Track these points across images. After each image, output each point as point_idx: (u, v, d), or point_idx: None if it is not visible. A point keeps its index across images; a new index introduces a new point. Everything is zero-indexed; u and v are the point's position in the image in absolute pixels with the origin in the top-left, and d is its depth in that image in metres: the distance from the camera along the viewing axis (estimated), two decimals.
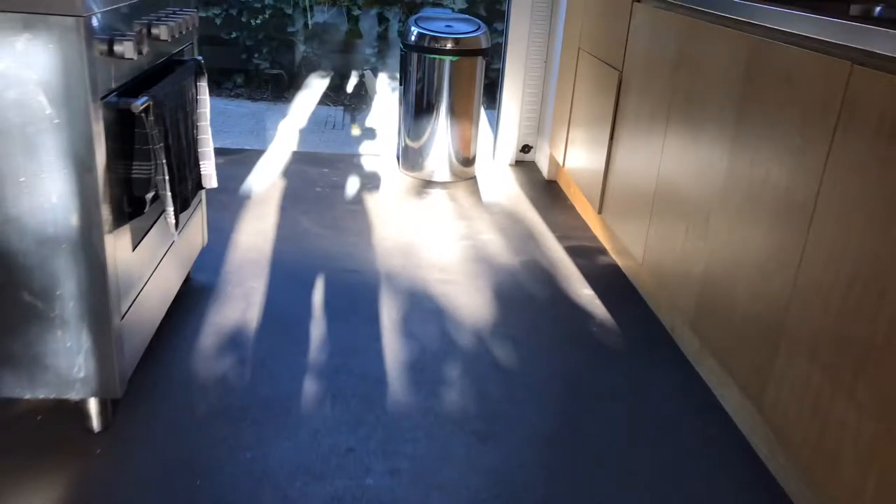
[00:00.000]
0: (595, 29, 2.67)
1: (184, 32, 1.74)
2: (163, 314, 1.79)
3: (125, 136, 1.46)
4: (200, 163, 1.87)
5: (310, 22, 4.89)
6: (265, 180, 3.07)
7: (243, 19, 4.76)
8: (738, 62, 1.64)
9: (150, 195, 1.54)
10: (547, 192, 3.18)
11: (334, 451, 1.53)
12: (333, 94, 4.78)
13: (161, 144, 1.51)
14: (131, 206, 1.51)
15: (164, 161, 1.53)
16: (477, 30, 3.10)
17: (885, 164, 1.16)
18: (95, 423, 1.52)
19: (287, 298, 2.12)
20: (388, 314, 2.08)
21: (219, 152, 3.38)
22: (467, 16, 3.29)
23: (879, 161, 1.17)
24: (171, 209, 1.56)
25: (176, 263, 1.89)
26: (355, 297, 2.16)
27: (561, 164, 3.04)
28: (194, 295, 2.09)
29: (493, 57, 3.58)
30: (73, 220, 1.34)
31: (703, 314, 1.76)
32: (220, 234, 2.50)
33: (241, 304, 2.07)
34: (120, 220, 1.46)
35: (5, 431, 1.51)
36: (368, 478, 1.46)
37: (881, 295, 1.16)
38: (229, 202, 2.80)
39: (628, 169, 2.29)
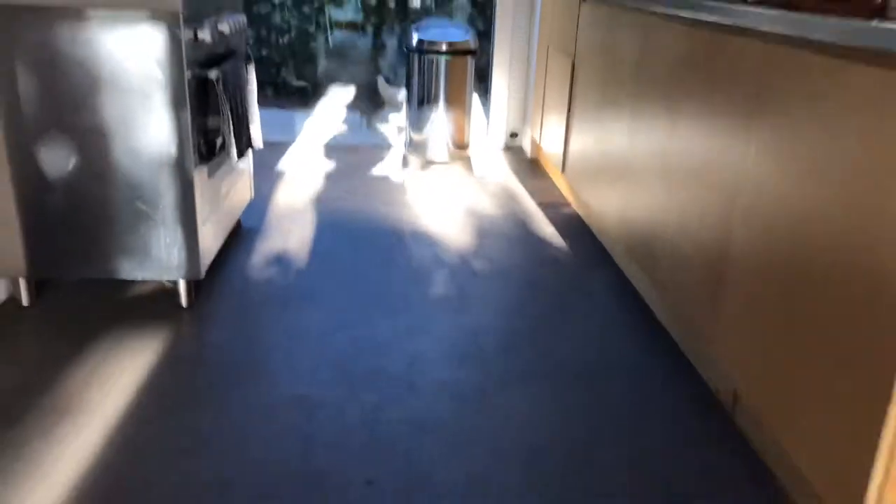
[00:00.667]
0: (556, 28, 3.31)
1: (237, 30, 2.41)
2: (228, 230, 2.43)
3: (203, 97, 2.11)
4: (250, 125, 2.52)
5: (330, 39, 5.60)
6: (295, 163, 3.72)
7: (272, 39, 5.47)
8: (635, 43, 2.26)
9: (219, 140, 2.19)
10: (529, 167, 3.80)
11: (350, 318, 2.15)
12: (352, 100, 5.46)
13: (227, 105, 2.16)
14: (208, 147, 2.16)
15: (229, 117, 2.18)
16: (466, 33, 3.75)
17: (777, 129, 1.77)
18: (184, 300, 2.16)
19: (315, 235, 2.75)
20: (396, 245, 2.71)
21: None
22: (458, 23, 3.95)
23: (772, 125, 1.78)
24: (233, 148, 2.21)
25: (234, 202, 2.53)
26: (370, 234, 2.79)
27: (538, 143, 3.67)
28: (245, 233, 2.74)
29: (482, 56, 4.22)
30: (172, 150, 1.99)
31: (634, 242, 2.37)
32: (263, 197, 3.15)
33: (281, 239, 2.71)
34: (201, 157, 2.10)
35: (124, 304, 2.15)
36: (376, 329, 2.08)
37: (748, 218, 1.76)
38: (267, 176, 3.45)
39: (581, 135, 2.91)
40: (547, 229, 2.92)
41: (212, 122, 2.16)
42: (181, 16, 1.90)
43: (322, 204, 3.12)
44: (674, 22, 2.00)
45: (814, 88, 1.33)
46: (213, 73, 2.08)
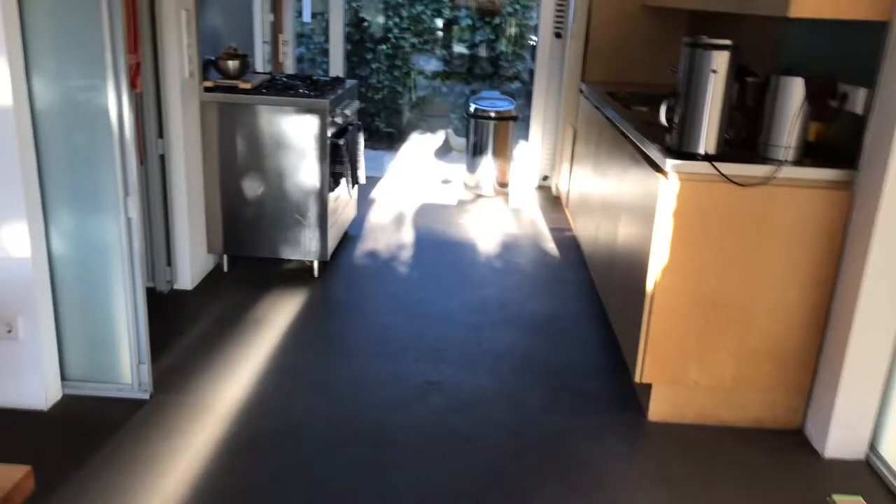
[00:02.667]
0: (569, 106, 4.71)
1: (354, 111, 3.92)
2: (342, 234, 3.92)
3: (334, 153, 3.60)
4: (358, 170, 4.01)
5: (414, 96, 7.13)
6: (384, 192, 5.22)
7: (368, 94, 7.05)
8: (601, 126, 3.64)
9: (341, 179, 3.68)
10: (552, 202, 5.19)
11: (412, 287, 3.59)
12: (427, 146, 6.97)
13: (346, 158, 3.65)
14: (335, 182, 3.65)
15: (348, 164, 3.67)
16: (510, 104, 5.19)
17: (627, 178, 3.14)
18: (316, 273, 3.65)
19: (395, 240, 4.21)
20: (448, 248, 4.14)
21: None
22: (505, 96, 5.40)
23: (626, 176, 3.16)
24: (348, 183, 3.70)
25: (345, 216, 4.03)
26: (432, 241, 4.24)
27: (558, 184, 5.06)
28: (350, 238, 4.23)
29: (523, 119, 5.64)
30: (316, 184, 3.49)
31: (596, 252, 3.74)
32: (362, 215, 4.65)
33: (373, 242, 4.18)
34: (330, 188, 3.59)
35: (283, 273, 3.65)
36: (427, 293, 3.51)
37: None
38: (365, 201, 4.95)
39: (577, 180, 4.28)
40: (550, 245, 4.31)
41: (338, 168, 3.65)
42: (327, 110, 3.40)
43: (400, 221, 4.59)
44: (605, 119, 3.38)
45: (628, 162, 2.69)
46: (341, 141, 3.58)
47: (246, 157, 3.47)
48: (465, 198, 5.22)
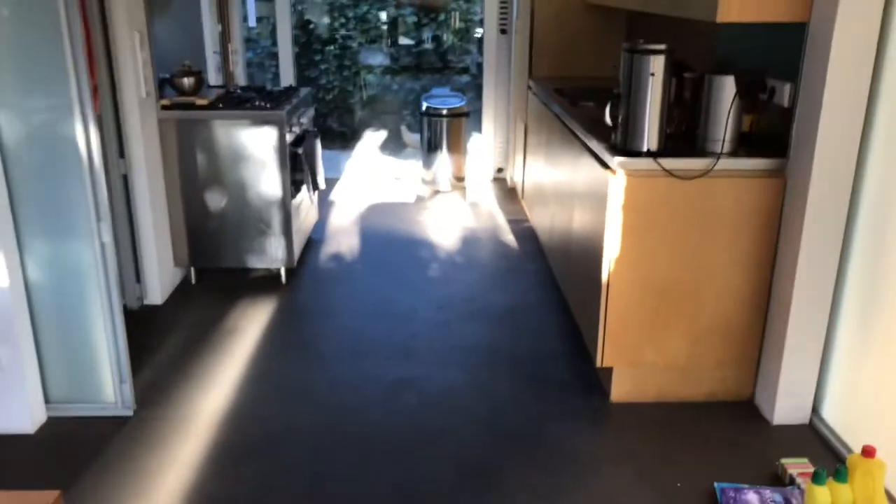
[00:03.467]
0: (518, 102, 4.86)
1: (310, 118, 4.01)
2: (306, 239, 4.01)
3: (294, 161, 3.69)
4: (318, 175, 4.10)
5: (364, 95, 7.21)
6: (343, 193, 5.31)
7: (319, 95, 7.10)
8: (550, 122, 3.79)
9: (302, 186, 3.77)
10: (507, 194, 5.34)
11: (377, 287, 3.70)
12: (382, 144, 7.06)
13: (306, 165, 3.74)
14: (295, 189, 3.74)
15: (308, 171, 3.76)
16: (461, 101, 5.32)
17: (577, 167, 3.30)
18: (283, 280, 3.74)
19: (357, 242, 4.32)
20: (409, 246, 4.26)
21: None
22: (456, 92, 5.53)
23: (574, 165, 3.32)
24: (309, 189, 3.79)
25: (308, 221, 4.12)
26: (393, 240, 4.35)
27: (513, 175, 5.21)
28: (314, 242, 4.32)
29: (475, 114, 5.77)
30: (277, 192, 3.58)
31: (553, 243, 3.90)
32: (323, 219, 4.73)
33: (337, 245, 4.28)
34: (292, 195, 3.68)
35: (250, 281, 3.73)
36: (391, 293, 3.63)
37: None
38: (325, 204, 5.04)
39: (531, 172, 4.44)
40: (508, 237, 4.46)
41: (298, 175, 3.74)
42: (284, 121, 3.49)
43: (361, 222, 4.70)
44: (553, 115, 3.53)
45: (578, 157, 2.84)
46: (299, 149, 3.67)
47: (207, 171, 3.54)
48: (423, 194, 5.34)
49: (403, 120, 7.23)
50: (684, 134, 2.70)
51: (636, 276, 2.59)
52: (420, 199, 5.22)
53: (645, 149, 2.52)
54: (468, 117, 5.36)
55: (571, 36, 4.60)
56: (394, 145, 6.98)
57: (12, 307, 2.40)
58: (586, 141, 2.90)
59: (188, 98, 3.49)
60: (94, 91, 3.01)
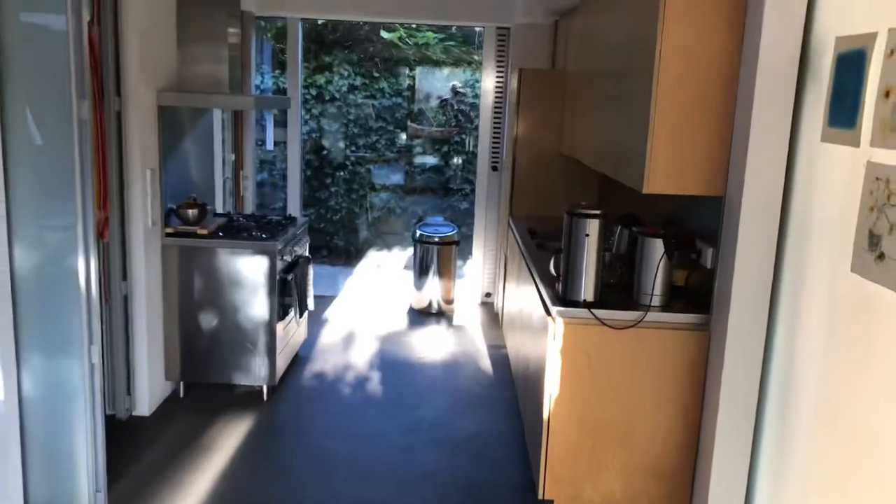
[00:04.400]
0: (503, 234, 5.21)
1: (303, 246, 4.36)
2: (291, 357, 4.28)
3: (283, 287, 4.01)
4: (308, 298, 4.41)
5: (370, 217, 7.65)
6: (337, 312, 5.61)
7: (328, 216, 7.56)
8: (519, 260, 4.11)
9: (290, 309, 4.08)
10: (493, 319, 5.61)
11: (356, 410, 3.93)
12: (385, 263, 7.44)
13: (295, 290, 4.06)
14: (283, 312, 4.04)
15: (296, 297, 4.07)
16: (453, 230, 5.69)
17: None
18: (265, 397, 3.99)
19: (344, 360, 4.58)
20: (390, 365, 4.51)
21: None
22: (447, 222, 5.91)
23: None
24: (296, 313, 4.09)
25: (295, 339, 4.40)
26: (379, 363, 4.61)
27: (497, 303, 5.50)
28: (301, 359, 4.59)
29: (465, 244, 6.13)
30: (265, 315, 3.88)
31: (518, 372, 4.14)
32: (313, 337, 5.01)
33: (322, 363, 4.55)
34: (279, 317, 3.98)
35: (234, 397, 3.98)
36: (369, 414, 3.85)
37: None
38: (318, 322, 5.33)
39: (508, 302, 4.72)
40: (486, 362, 4.70)
41: (287, 299, 4.05)
42: (276, 252, 3.83)
43: (348, 341, 4.97)
44: (519, 249, 3.84)
45: (532, 298, 3.12)
46: (289, 276, 4.00)
47: (203, 293, 3.86)
48: (411, 316, 5.62)
49: (405, 240, 7.63)
50: (626, 286, 2.99)
51: (573, 414, 2.82)
52: (409, 321, 5.50)
53: (582, 299, 2.80)
54: (458, 245, 5.71)
55: (548, 178, 4.98)
56: (393, 264, 7.34)
57: (5, 416, 2.68)
58: (538, 285, 3.19)
59: (191, 227, 3.86)
60: (105, 221, 3.39)
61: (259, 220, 4.38)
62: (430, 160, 7.60)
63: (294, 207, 5.87)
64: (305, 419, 3.81)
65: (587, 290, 2.80)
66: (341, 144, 7.58)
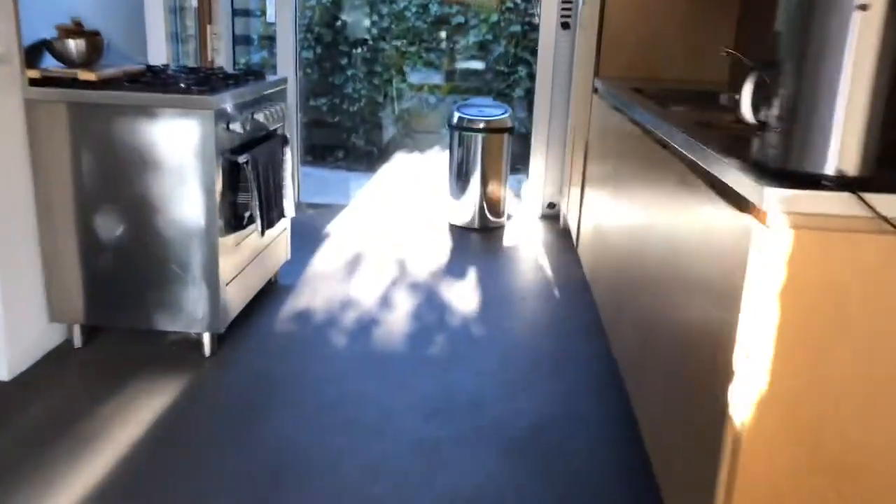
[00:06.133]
0: (580, 113, 3.56)
1: (277, 117, 2.79)
2: (253, 293, 2.77)
3: (234, 177, 2.47)
4: (284, 199, 2.87)
5: (396, 108, 6.02)
6: (345, 227, 4.08)
7: (344, 106, 5.95)
8: (625, 135, 2.48)
9: (246, 214, 2.54)
10: (558, 237, 4.02)
11: (353, 374, 2.43)
12: (415, 167, 5.85)
13: (254, 184, 2.52)
14: (235, 220, 2.52)
15: (257, 194, 2.53)
16: (504, 112, 4.05)
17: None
18: (207, 350, 2.50)
19: (343, 292, 3.06)
20: (412, 302, 2.98)
21: (313, 205, 4.45)
22: (498, 103, 4.26)
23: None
24: (258, 222, 2.56)
25: (264, 264, 2.88)
26: (395, 299, 3.08)
27: (566, 214, 3.89)
28: (279, 290, 3.08)
29: (528, 128, 4.50)
30: (202, 221, 2.35)
31: (622, 322, 2.56)
32: (304, 257, 3.50)
33: (310, 297, 3.03)
34: (229, 228, 2.46)
35: (157, 351, 2.51)
36: (365, 381, 2.34)
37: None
38: (315, 238, 3.81)
39: (590, 212, 3.12)
40: (556, 301, 3.13)
41: (241, 198, 2.51)
42: (214, 112, 2.27)
43: (356, 266, 3.44)
44: (632, 124, 2.23)
45: (677, 189, 1.54)
46: (242, 158, 2.45)
47: (98, 182, 2.35)
48: (447, 235, 4.06)
49: (442, 138, 6.02)
50: None
51: (795, 427, 1.25)
52: (443, 241, 3.95)
53: (832, 171, 1.19)
54: (512, 134, 4.08)
55: (655, 28, 3.29)
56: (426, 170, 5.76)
57: None
58: (697, 159, 1.57)
59: (71, 71, 2.31)
60: None
61: (201, 72, 2.82)
62: (473, 37, 5.88)
63: (287, 71, 4.28)
64: (271, 387, 2.32)
65: (846, 152, 1.19)
66: (360, 17, 5.91)
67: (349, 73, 5.95)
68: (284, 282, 3.19)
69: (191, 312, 2.44)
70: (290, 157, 2.89)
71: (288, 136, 2.91)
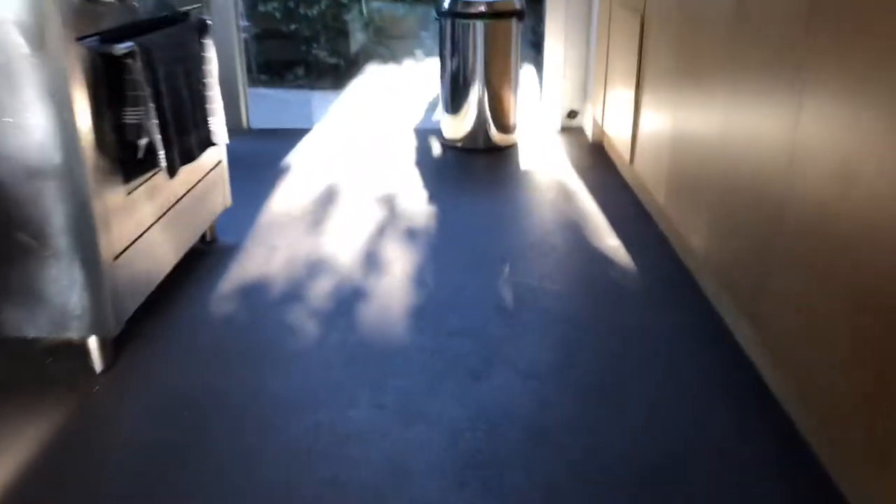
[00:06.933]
0: None
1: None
2: (171, 264, 1.83)
3: (113, 81, 1.50)
4: (209, 119, 1.91)
5: (364, 9, 4.96)
6: (308, 155, 3.11)
7: (301, 11, 4.87)
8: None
9: (142, 141, 1.58)
10: (591, 154, 3.09)
11: (322, 387, 1.52)
12: (389, 79, 4.83)
13: (150, 91, 1.55)
14: (124, 150, 1.56)
15: (155, 108, 1.56)
16: None
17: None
18: (97, 362, 1.57)
19: (311, 249, 2.13)
20: (401, 271, 2.06)
21: (267, 133, 3.46)
22: None
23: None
24: (162, 153, 1.60)
25: (188, 218, 1.93)
26: (376, 257, 2.16)
27: (601, 124, 2.95)
28: (216, 253, 2.14)
29: (533, 19, 3.52)
30: (57, 158, 1.39)
31: (732, 268, 1.66)
32: (254, 200, 2.55)
33: (261, 259, 2.10)
34: (112, 163, 1.50)
35: (15, 369, 1.58)
36: (336, 395, 1.44)
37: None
38: (268, 173, 2.85)
39: (656, 114, 2.19)
40: (610, 242, 2.23)
41: (129, 115, 1.55)
42: None
43: (327, 209, 2.50)
44: None
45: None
46: (121, 47, 1.47)
47: None
48: (444, 159, 3.12)
49: (422, 45, 4.98)
50: None
51: None
52: (439, 168, 3.00)
53: None
54: (521, 20, 3.10)
55: None
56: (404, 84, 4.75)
57: None
58: None
59: None
60: None
61: None
62: None
63: None
64: (194, 425, 1.41)
65: None
66: None
67: None
68: (225, 239, 2.25)
69: (61, 307, 1.50)
70: (213, 55, 1.91)
71: (208, 20, 1.91)
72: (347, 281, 1.98)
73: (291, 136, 3.39)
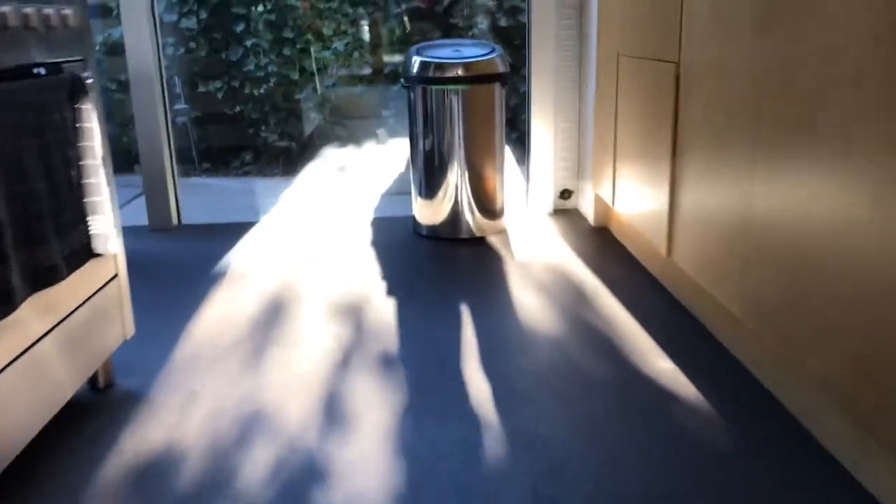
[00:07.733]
0: (635, 24, 2.09)
1: (57, 29, 1.22)
2: (33, 430, 1.19)
3: None
4: (87, 218, 1.31)
5: (319, 87, 4.45)
6: (250, 255, 2.51)
7: (246, 91, 4.35)
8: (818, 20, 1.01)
9: None
10: (596, 241, 2.54)
11: None
12: (347, 163, 4.31)
13: None
14: None
15: None
16: (491, 52, 2.55)
17: None
18: None
19: (234, 407, 1.50)
20: (366, 411, 1.44)
21: (202, 229, 2.86)
22: (479, 41, 2.76)
23: None
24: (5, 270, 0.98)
25: (62, 361, 1.30)
26: (342, 397, 1.54)
27: (611, 204, 2.41)
28: (110, 406, 1.50)
29: (516, 83, 3.04)
30: None
31: (859, 388, 1.08)
32: (173, 323, 1.92)
33: (171, 418, 1.46)
34: None
35: None
36: None
37: None
38: (195, 283, 2.23)
39: (704, 191, 1.65)
40: (659, 363, 1.64)
41: None
42: None
43: (270, 330, 1.88)
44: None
45: None
46: None
47: None
48: (419, 252, 2.54)
49: (384, 123, 4.48)
50: None
51: None
52: (413, 263, 2.42)
53: None
54: (505, 85, 2.59)
55: None
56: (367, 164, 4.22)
57: None
58: None
59: None
60: None
61: None
62: None
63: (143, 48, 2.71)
64: None
65: None
66: None
67: (248, 43, 4.35)
68: (125, 383, 1.61)
69: None
70: (95, 125, 1.32)
71: (88, 78, 1.34)
72: (296, 450, 1.35)
73: (232, 233, 2.79)
